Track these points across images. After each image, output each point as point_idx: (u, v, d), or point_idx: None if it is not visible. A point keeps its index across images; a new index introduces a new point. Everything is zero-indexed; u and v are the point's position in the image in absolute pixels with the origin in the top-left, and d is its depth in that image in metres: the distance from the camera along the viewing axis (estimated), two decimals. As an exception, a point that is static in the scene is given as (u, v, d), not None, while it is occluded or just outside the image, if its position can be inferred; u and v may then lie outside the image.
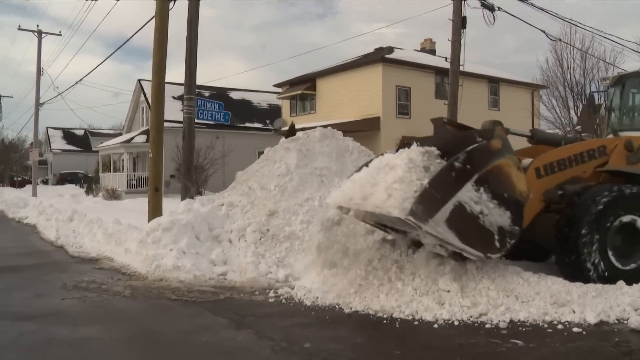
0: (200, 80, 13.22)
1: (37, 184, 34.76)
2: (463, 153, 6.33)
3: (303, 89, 31.56)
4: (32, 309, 6.46)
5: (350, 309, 6.16)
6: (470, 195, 6.23)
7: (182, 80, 12.74)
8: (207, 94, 32.48)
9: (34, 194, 30.76)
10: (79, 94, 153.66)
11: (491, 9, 16.80)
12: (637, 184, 7.29)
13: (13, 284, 7.74)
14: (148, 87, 26.82)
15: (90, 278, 7.95)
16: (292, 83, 33.31)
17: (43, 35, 34.71)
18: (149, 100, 22.14)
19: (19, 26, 35.23)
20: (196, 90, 12.76)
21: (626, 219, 6.98)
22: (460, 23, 16.38)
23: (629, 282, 6.59)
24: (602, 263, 6.76)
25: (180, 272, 7.71)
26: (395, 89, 27.63)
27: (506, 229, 6.38)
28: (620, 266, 6.89)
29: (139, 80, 35.49)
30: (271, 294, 6.90)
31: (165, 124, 11.83)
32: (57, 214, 15.38)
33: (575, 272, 6.72)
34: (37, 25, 36.90)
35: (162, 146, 11.47)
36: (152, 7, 11.94)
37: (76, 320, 5.81)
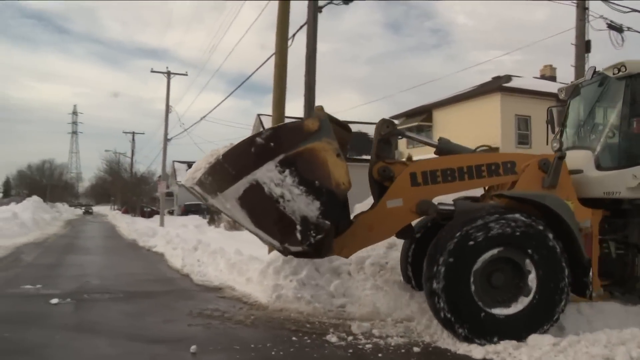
0: (318, 113, 13.46)
1: (164, 215, 36.78)
2: (269, 129, 5.66)
3: (419, 120, 31.41)
4: (162, 333, 6.78)
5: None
6: (271, 176, 5.51)
7: (300, 114, 13.08)
8: (324, 127, 33.03)
9: (162, 224, 32.55)
10: (203, 129, 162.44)
11: (619, 29, 15.91)
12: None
13: (145, 309, 8.17)
14: (267, 121, 27.71)
15: (214, 306, 8.21)
16: (408, 115, 33.25)
17: (172, 76, 37.19)
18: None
19: (152, 69, 38.08)
20: (314, 123, 13.01)
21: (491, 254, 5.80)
22: (583, 47, 15.64)
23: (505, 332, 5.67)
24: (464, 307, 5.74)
25: (300, 303, 7.77)
26: (515, 118, 26.87)
27: (311, 221, 5.54)
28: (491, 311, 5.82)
29: (259, 115, 36.87)
30: (391, 328, 6.77)
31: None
32: (182, 243, 16.17)
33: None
34: (167, 67, 39.47)
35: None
36: (271, 45, 12.44)
37: (202, 346, 5.99)
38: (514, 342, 5.65)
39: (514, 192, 6.58)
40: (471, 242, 5.75)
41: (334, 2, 14.16)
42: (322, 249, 6.25)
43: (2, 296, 9.11)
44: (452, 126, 29.05)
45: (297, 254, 6.55)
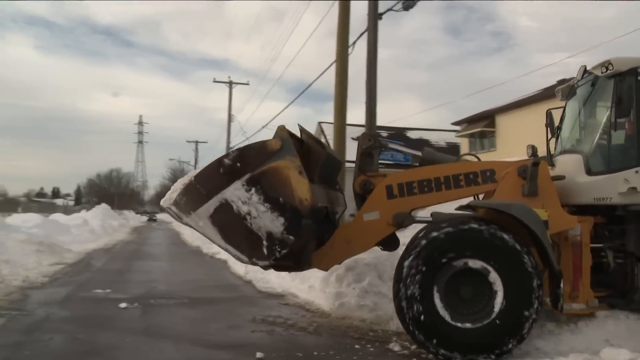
0: (378, 120, 13.45)
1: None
2: (235, 150, 5.95)
3: (482, 126, 30.87)
4: (225, 338, 6.88)
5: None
6: (238, 195, 5.74)
7: (360, 122, 13.09)
8: (385, 134, 33.01)
9: (224, 231, 32.96)
10: (265, 137, 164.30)
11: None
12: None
13: (209, 315, 8.31)
14: (327, 129, 27.79)
15: (277, 313, 8.27)
16: (470, 120, 32.74)
17: (234, 85, 37.93)
18: (329, 141, 22.93)
19: (214, 79, 38.93)
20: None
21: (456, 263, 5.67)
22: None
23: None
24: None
25: (363, 311, 7.73)
26: (582, 122, 25.91)
27: (276, 236, 5.71)
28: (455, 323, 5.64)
29: (319, 123, 37.10)
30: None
31: (346, 165, 12.14)
32: (245, 250, 16.33)
33: None
34: (229, 77, 40.31)
35: (344, 186, 11.75)
36: (332, 53, 12.49)
37: (265, 353, 6.03)
38: (586, 355, 5.43)
39: (479, 202, 6.45)
40: (428, 255, 5.70)
41: (394, 8, 14.10)
42: (301, 261, 6.47)
43: (76, 300, 9.47)
44: (515, 131, 28.36)
45: (276, 268, 6.67)
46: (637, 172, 6.12)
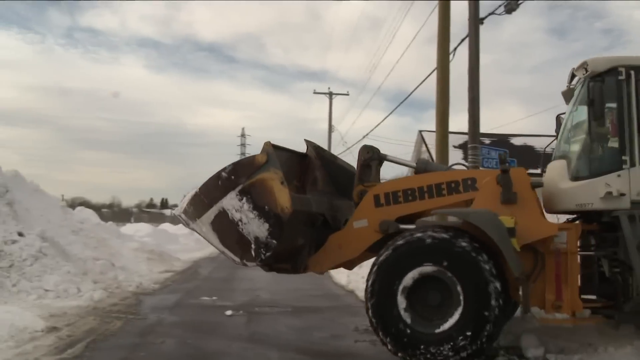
0: (481, 127, 13.05)
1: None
2: (230, 165, 6.61)
3: (591, 132, 29.22)
4: (329, 348, 6.91)
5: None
6: (233, 204, 6.45)
7: (462, 129, 12.76)
8: (487, 141, 32.00)
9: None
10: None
11: None
12: None
13: (312, 323, 8.38)
14: (428, 137, 27.36)
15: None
16: (578, 126, 31.12)
17: (333, 96, 38.31)
18: (431, 150, 22.60)
19: (314, 90, 39.49)
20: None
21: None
22: None
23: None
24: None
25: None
26: None
27: (262, 240, 6.37)
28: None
29: (420, 132, 36.63)
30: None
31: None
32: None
33: None
34: (329, 88, 40.65)
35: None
36: (431, 61, 12.32)
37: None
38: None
39: (444, 210, 6.60)
40: (395, 261, 5.98)
41: (496, 12, 13.68)
42: (297, 264, 7.03)
43: (185, 306, 9.87)
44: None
45: (278, 270, 7.24)
46: (619, 175, 5.94)
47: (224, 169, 6.62)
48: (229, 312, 9.06)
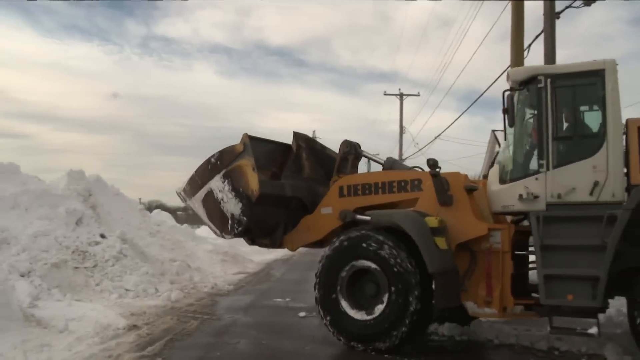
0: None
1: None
2: (217, 152, 7.81)
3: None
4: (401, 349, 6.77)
5: None
6: (217, 185, 7.73)
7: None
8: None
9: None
10: (437, 148, 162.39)
11: None
12: None
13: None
14: (502, 137, 26.70)
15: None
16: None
17: (404, 97, 37.94)
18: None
19: (384, 92, 39.22)
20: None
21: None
22: None
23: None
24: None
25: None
26: None
27: (236, 217, 7.62)
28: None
29: (493, 131, 35.76)
30: None
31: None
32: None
33: None
34: (399, 89, 40.31)
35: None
36: (502, 58, 11.97)
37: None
38: None
39: (372, 212, 7.09)
40: (335, 254, 6.89)
41: (573, 5, 13.16)
42: (274, 241, 8.17)
43: (259, 307, 9.99)
44: None
45: (260, 244, 8.46)
46: (537, 179, 6.26)
47: (212, 156, 7.85)
48: (302, 314, 9.10)
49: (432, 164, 6.95)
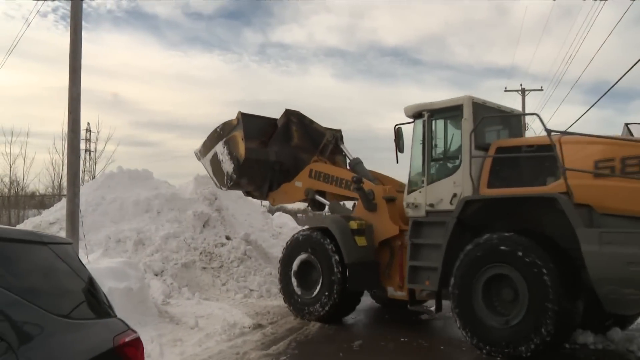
0: None
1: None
2: (221, 124, 10.22)
3: None
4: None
5: None
6: (220, 149, 10.11)
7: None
8: None
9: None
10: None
11: None
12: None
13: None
14: (636, 130, 24.91)
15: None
16: None
17: (526, 92, 36.32)
18: None
19: (505, 88, 37.63)
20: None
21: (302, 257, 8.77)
22: None
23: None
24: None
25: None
26: None
27: (230, 174, 9.97)
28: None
29: (626, 124, 33.44)
30: None
31: None
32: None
33: None
34: (521, 85, 38.54)
35: None
36: (636, 46, 11.03)
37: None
38: None
39: (318, 212, 9.59)
40: (289, 248, 9.05)
41: None
42: (262, 194, 10.56)
43: (379, 309, 9.92)
44: None
45: (253, 196, 11.44)
46: (420, 192, 7.79)
47: (218, 127, 10.24)
48: (424, 317, 8.94)
49: (356, 180, 8.64)
